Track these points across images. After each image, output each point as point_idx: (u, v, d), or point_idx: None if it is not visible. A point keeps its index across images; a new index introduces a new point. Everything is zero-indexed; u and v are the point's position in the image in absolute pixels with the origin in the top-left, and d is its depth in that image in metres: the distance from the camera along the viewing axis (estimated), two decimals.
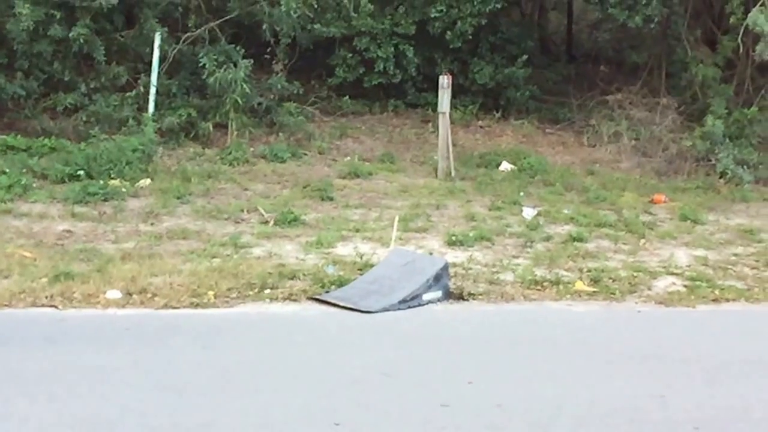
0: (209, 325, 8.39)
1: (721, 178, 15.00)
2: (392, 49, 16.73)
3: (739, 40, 15.65)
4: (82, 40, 14.28)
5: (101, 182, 12.49)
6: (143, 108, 14.72)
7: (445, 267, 9.62)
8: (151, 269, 9.63)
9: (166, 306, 8.82)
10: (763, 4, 15.08)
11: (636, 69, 18.57)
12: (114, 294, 8.97)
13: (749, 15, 15.01)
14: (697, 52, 17.29)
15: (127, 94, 14.93)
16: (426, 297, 9.29)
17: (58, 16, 14.25)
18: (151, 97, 14.71)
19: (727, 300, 9.95)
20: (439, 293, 9.40)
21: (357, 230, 11.61)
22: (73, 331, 7.99)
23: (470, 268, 10.35)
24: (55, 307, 8.19)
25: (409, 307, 9.12)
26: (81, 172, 12.74)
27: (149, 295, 8.97)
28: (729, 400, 6.87)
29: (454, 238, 11.38)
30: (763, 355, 8.06)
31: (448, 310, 9.23)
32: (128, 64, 15.33)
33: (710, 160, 15.34)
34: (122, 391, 6.58)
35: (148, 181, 12.97)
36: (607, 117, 16.80)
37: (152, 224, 11.47)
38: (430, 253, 10.69)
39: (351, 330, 8.44)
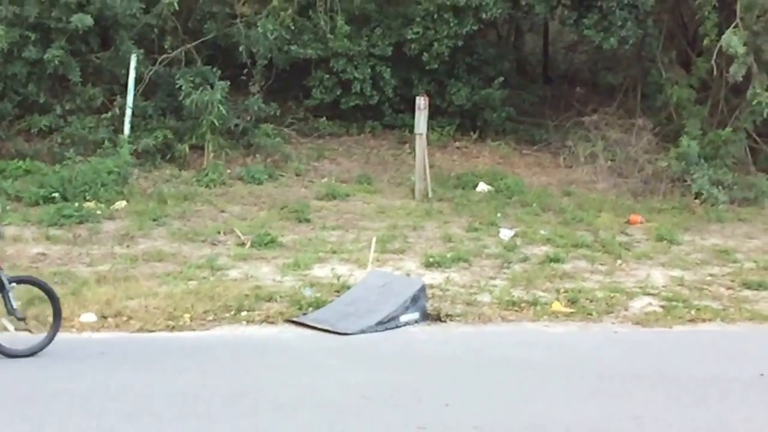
0: (185, 349, 8.33)
1: (696, 198, 15.08)
2: (369, 70, 16.75)
3: (713, 61, 15.80)
4: (57, 62, 14.22)
5: (76, 205, 12.39)
6: (119, 130, 14.65)
7: (423, 288, 9.61)
8: (127, 292, 9.56)
9: (141, 329, 8.76)
10: (736, 26, 15.24)
11: (611, 90, 18.70)
12: (89, 317, 8.91)
13: (723, 37, 15.16)
14: (672, 73, 17.43)
15: (103, 115, 14.86)
16: (403, 319, 9.27)
17: (32, 38, 14.20)
18: (127, 119, 14.65)
19: (704, 320, 9.99)
20: (416, 315, 9.38)
21: (334, 252, 11.58)
22: (47, 354, 7.88)
23: (448, 290, 10.34)
24: (29, 330, 8.09)
25: (387, 329, 9.11)
26: (56, 195, 12.65)
27: (124, 319, 8.91)
28: (706, 420, 6.87)
29: (431, 259, 11.37)
30: (740, 375, 8.07)
31: (426, 332, 9.21)
32: (104, 86, 15.26)
33: (685, 181, 15.43)
34: (95, 416, 6.49)
35: (124, 203, 12.89)
36: (584, 138, 16.88)
37: (128, 247, 11.39)
38: (408, 275, 10.68)
39: (328, 352, 8.39)
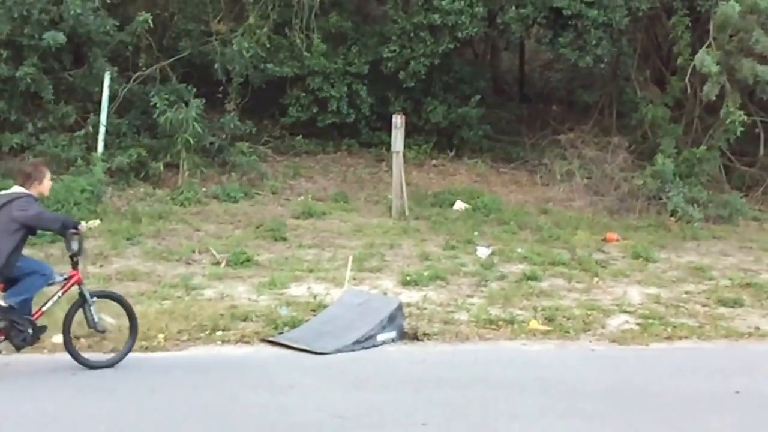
0: (159, 369, 8.22)
1: (671, 216, 15.15)
2: (345, 88, 16.74)
3: (687, 80, 15.92)
4: (29, 79, 14.12)
5: None
6: (92, 148, 14.53)
7: (400, 307, 9.55)
8: (100, 312, 9.40)
9: (114, 350, 8.62)
10: (709, 46, 15.36)
11: (587, 108, 18.79)
12: (60, 338, 8.73)
13: (696, 56, 15.29)
14: (647, 92, 17.56)
15: (76, 133, 14.74)
16: (380, 338, 9.21)
17: (4, 55, 14.10)
18: (101, 137, 14.54)
19: (680, 338, 9.99)
20: (393, 334, 9.32)
21: (310, 270, 11.51)
22: (18, 376, 7.76)
23: (425, 308, 10.29)
24: None
25: (363, 348, 9.04)
26: None
27: (97, 339, 8.76)
28: None
29: (408, 277, 11.32)
30: (716, 392, 8.06)
31: (403, 351, 9.14)
32: (77, 104, 15.16)
33: (661, 199, 15.50)
34: None
35: (97, 222, 12.77)
36: (560, 156, 16.93)
37: (101, 266, 11.27)
38: (385, 293, 10.62)
39: (304, 372, 8.30)
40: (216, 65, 15.81)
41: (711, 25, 15.60)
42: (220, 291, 10.56)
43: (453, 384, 8.07)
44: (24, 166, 8.24)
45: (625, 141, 17.05)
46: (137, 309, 9.53)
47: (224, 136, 15.78)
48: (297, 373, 8.25)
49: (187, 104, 14.87)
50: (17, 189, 7.86)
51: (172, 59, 16.11)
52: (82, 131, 14.77)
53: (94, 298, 8.20)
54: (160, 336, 8.95)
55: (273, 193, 15.17)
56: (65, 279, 8.08)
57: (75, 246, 8.01)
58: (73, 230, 8.00)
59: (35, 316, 7.94)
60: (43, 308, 8.06)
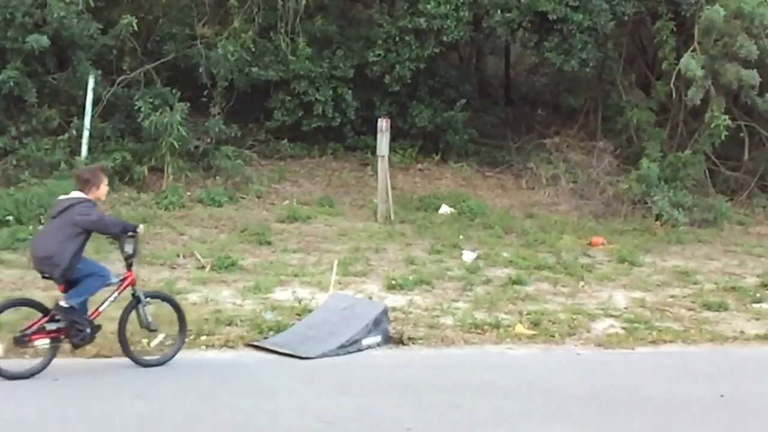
0: (142, 374, 8.16)
1: (657, 220, 15.17)
2: (331, 92, 16.71)
3: (672, 84, 15.96)
4: (12, 83, 14.01)
5: (31, 228, 12.14)
6: (76, 152, 14.45)
7: (385, 311, 9.53)
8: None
9: (98, 354, 8.57)
10: (694, 50, 15.41)
11: (573, 113, 18.82)
12: (43, 343, 8.66)
13: (681, 60, 15.33)
14: (632, 96, 17.61)
15: (60, 137, 14.64)
16: (365, 342, 9.18)
17: None
18: (84, 141, 14.46)
19: (665, 341, 10.00)
20: (378, 338, 9.29)
21: (295, 275, 11.47)
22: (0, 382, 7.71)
23: (410, 312, 10.27)
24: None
25: (348, 353, 9.01)
26: (10, 218, 12.40)
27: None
28: None
29: (393, 282, 11.30)
30: (701, 396, 8.07)
31: (388, 355, 9.11)
32: (61, 107, 15.06)
33: (646, 203, 15.53)
34: None
35: None
36: (545, 160, 16.95)
37: None
38: (370, 298, 10.59)
39: (289, 377, 8.27)
40: (201, 69, 15.75)
41: (696, 30, 15.66)
42: (205, 295, 10.51)
43: (438, 388, 8.05)
44: (82, 172, 8.47)
45: (611, 145, 17.10)
46: (119, 314, 9.51)
47: (209, 139, 15.72)
48: (282, 378, 8.22)
49: (171, 108, 14.79)
50: (76, 194, 8.07)
51: (157, 63, 16.04)
52: (66, 135, 14.67)
53: (148, 299, 8.51)
54: (145, 341, 8.88)
55: (258, 197, 15.12)
56: (120, 280, 8.37)
57: (130, 249, 8.30)
58: (131, 233, 8.26)
59: (92, 316, 8.21)
60: (100, 308, 8.30)
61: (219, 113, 16.02)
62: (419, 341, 9.49)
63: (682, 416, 7.48)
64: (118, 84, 15.38)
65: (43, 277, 8.17)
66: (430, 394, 7.87)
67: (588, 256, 13.39)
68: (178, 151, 14.80)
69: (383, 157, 14.53)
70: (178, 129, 14.55)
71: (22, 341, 7.88)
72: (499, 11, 16.32)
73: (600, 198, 16.05)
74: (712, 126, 15.48)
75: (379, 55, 16.70)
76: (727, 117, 15.43)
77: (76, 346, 8.17)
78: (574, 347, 9.69)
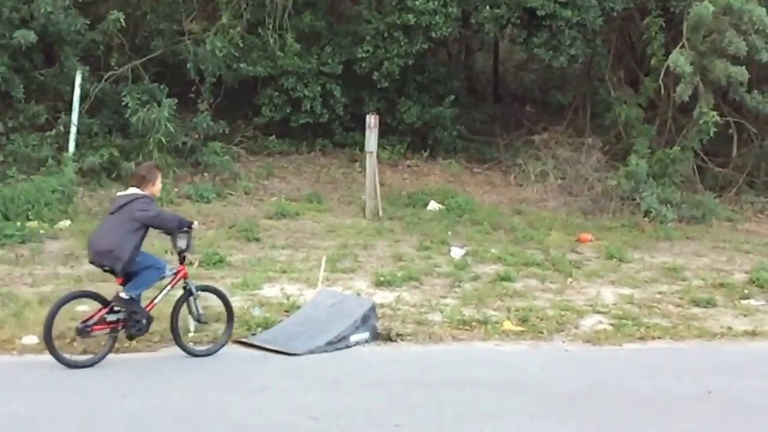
0: (130, 371, 8.13)
1: (645, 216, 15.20)
2: (319, 88, 16.68)
3: (661, 81, 15.98)
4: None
5: (18, 224, 12.12)
6: (63, 148, 14.39)
7: (373, 308, 9.51)
8: (70, 313, 9.28)
9: (85, 351, 8.52)
10: (683, 46, 15.43)
11: (561, 109, 18.85)
12: (31, 339, 8.65)
13: (670, 56, 15.35)
14: (621, 92, 17.63)
15: (47, 133, 14.58)
16: (353, 338, 9.17)
17: None
18: (72, 137, 14.40)
19: (653, 338, 10.01)
20: (366, 335, 9.28)
21: (284, 271, 11.44)
22: None
23: (398, 309, 10.26)
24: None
25: (336, 349, 8.99)
26: None
27: (67, 340, 8.66)
28: None
29: (381, 278, 11.28)
30: (689, 392, 8.09)
31: (376, 352, 9.10)
32: (48, 103, 15.01)
33: (634, 199, 15.54)
34: None
35: (68, 222, 12.64)
36: (534, 156, 16.96)
37: (72, 267, 11.14)
38: (358, 294, 10.57)
39: (277, 373, 8.25)
40: (189, 65, 15.70)
41: (684, 26, 15.67)
42: None
43: (426, 385, 8.04)
44: (139, 169, 8.88)
45: (599, 141, 17.12)
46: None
47: (197, 136, 15.68)
48: (270, 375, 8.20)
49: (159, 104, 14.75)
50: (133, 191, 8.39)
51: (145, 58, 15.99)
52: (53, 131, 14.62)
53: (199, 292, 8.81)
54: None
55: (246, 194, 15.08)
56: (174, 273, 8.63)
57: (183, 243, 8.61)
58: (186, 229, 8.56)
59: (148, 308, 8.47)
60: (155, 301, 8.57)
61: (207, 109, 15.98)
62: (407, 338, 9.48)
63: (670, 412, 7.50)
64: (106, 80, 15.33)
65: (104, 271, 8.45)
66: (418, 390, 7.86)
67: (576, 252, 13.40)
68: (166, 148, 14.75)
69: (371, 153, 14.51)
70: (166, 125, 14.50)
71: (84, 332, 8.14)
72: (487, 7, 16.32)
73: (588, 194, 16.07)
74: (701, 122, 15.49)
75: (368, 51, 16.67)
76: (715, 113, 15.45)
77: (131, 337, 8.45)
78: (562, 343, 9.70)
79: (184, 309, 8.74)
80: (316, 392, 7.75)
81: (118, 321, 8.23)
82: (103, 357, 8.18)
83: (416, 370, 8.52)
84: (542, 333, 9.89)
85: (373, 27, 16.71)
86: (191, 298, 8.71)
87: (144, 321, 8.36)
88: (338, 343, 9.04)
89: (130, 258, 8.11)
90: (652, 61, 16.38)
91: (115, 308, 8.21)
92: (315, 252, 12.31)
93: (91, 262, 8.44)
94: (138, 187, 8.40)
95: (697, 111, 15.53)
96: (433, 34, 16.56)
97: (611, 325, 10.28)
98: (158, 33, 16.42)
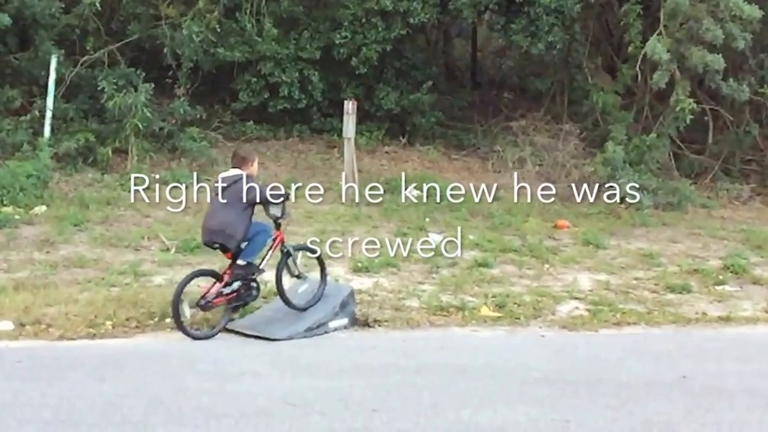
0: (107, 357, 8.12)
1: (621, 203, 15.22)
2: (297, 73, 16.62)
3: (638, 68, 16.03)
4: None
5: None
6: (39, 132, 14.29)
7: (351, 294, 9.54)
8: (46, 299, 9.28)
9: (61, 337, 8.53)
10: (660, 34, 15.48)
11: (539, 96, 18.86)
12: (6, 325, 8.64)
13: (647, 44, 15.39)
14: (598, 79, 17.67)
15: (22, 118, 14.48)
16: (332, 324, 9.20)
17: None
18: (47, 121, 14.30)
19: (628, 323, 10.08)
20: (345, 320, 9.31)
21: (261, 257, 11.38)
22: None
23: (376, 295, 10.28)
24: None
25: (315, 335, 9.02)
26: None
27: (43, 326, 8.65)
28: (631, 423, 6.91)
29: (359, 264, 11.28)
30: (663, 377, 8.15)
31: (354, 338, 9.13)
32: (23, 88, 14.89)
33: (611, 186, 15.56)
34: (13, 428, 6.27)
35: (44, 208, 12.56)
36: (512, 143, 16.97)
37: (47, 252, 11.09)
38: (336, 280, 10.56)
39: (256, 359, 8.26)
40: (165, 50, 15.61)
41: (662, 13, 15.69)
42: (170, 278, 10.43)
43: (404, 370, 8.07)
44: (240, 151, 9.58)
45: (576, 128, 17.13)
46: (84, 296, 9.47)
47: (174, 121, 15.60)
48: (248, 361, 8.21)
49: (136, 89, 14.66)
50: (235, 171, 9.02)
51: (121, 43, 15.89)
52: (28, 115, 14.53)
53: (298, 252, 9.42)
54: (108, 323, 8.85)
55: None
56: (272, 239, 9.23)
57: (278, 211, 9.17)
58: (284, 199, 9.15)
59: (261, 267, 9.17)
60: (260, 266, 9.20)
61: (184, 94, 15.89)
62: (385, 323, 9.51)
63: (645, 396, 7.55)
64: (82, 64, 15.23)
65: (213, 248, 9.06)
66: (395, 376, 7.89)
67: (553, 238, 13.46)
68: (143, 133, 14.69)
69: (349, 139, 14.50)
70: (143, 110, 14.43)
71: (207, 306, 8.82)
72: None
73: (565, 181, 16.09)
74: (677, 109, 15.56)
75: (346, 36, 16.63)
76: (691, 101, 15.51)
77: (245, 305, 9.15)
78: (539, 329, 9.75)
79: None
80: (294, 378, 7.77)
81: (232, 292, 8.86)
82: (221, 329, 8.79)
83: (394, 356, 8.55)
84: (519, 319, 9.94)
85: (351, 13, 16.67)
86: (289, 259, 9.20)
87: (256, 288, 9.05)
88: (317, 329, 9.06)
89: (243, 235, 8.79)
90: (630, 49, 16.41)
91: (230, 281, 8.82)
92: (293, 238, 12.24)
93: (205, 243, 9.08)
94: (239, 167, 8.99)
95: (674, 98, 15.59)
96: (411, 20, 16.54)
97: (587, 310, 10.35)
98: (135, 17, 16.30)
